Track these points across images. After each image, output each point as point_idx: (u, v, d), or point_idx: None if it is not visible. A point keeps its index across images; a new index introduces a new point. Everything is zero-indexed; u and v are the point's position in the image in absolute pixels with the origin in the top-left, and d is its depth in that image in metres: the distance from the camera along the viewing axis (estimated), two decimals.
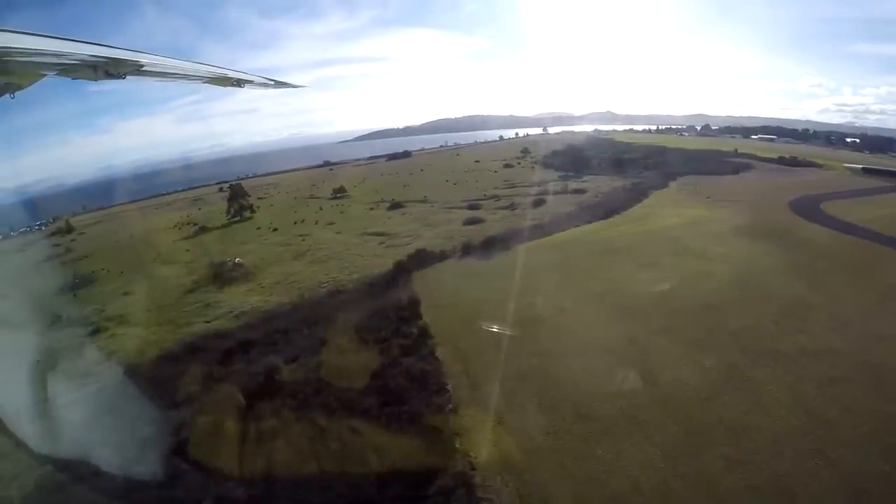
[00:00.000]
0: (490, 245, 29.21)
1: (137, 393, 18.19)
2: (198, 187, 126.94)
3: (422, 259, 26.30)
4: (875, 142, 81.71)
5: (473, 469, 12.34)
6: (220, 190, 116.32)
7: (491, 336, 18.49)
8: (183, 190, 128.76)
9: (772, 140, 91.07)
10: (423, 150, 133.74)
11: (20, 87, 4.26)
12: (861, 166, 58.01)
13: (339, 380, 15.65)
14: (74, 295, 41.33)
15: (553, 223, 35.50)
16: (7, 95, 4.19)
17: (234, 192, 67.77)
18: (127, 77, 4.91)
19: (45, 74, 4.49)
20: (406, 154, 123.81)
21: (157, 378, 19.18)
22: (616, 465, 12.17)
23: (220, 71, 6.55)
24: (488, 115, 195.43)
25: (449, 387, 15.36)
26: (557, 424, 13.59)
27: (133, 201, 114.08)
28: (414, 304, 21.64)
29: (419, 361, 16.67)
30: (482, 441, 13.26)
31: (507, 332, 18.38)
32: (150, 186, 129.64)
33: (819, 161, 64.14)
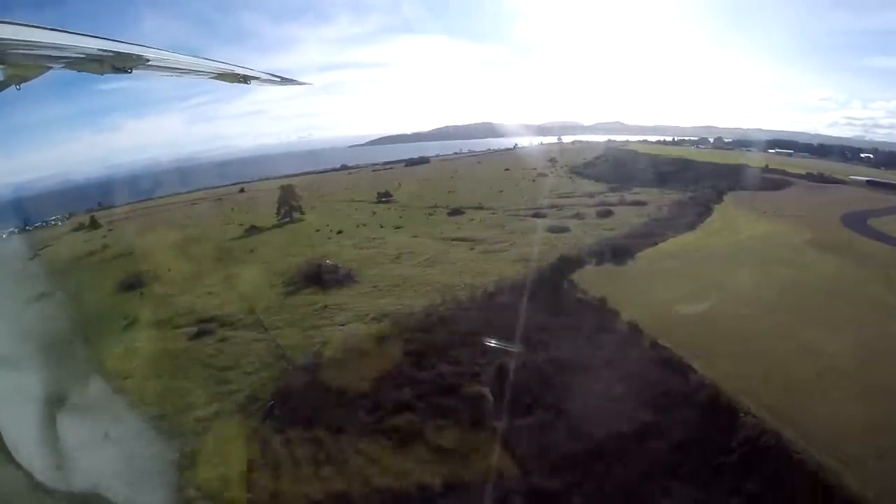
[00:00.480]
0: (612, 252, 30.70)
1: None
2: (216, 187, 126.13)
3: (565, 264, 27.55)
4: (888, 157, 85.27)
5: None
6: (241, 191, 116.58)
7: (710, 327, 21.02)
8: (201, 189, 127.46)
9: (789, 154, 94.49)
10: (438, 156, 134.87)
11: (26, 79, 4.21)
12: (865, 179, 63.77)
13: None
14: (141, 294, 40.22)
15: (645, 234, 37.04)
16: (13, 87, 4.14)
17: (285, 194, 67.46)
18: (133, 71, 4.91)
19: (51, 67, 4.56)
20: (424, 160, 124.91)
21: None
22: None
23: (226, 67, 6.53)
24: (497, 123, 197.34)
25: None
26: None
27: (150, 199, 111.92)
28: (603, 302, 23.40)
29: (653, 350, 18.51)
30: None
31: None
32: (162, 185, 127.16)
33: (841, 177, 67.83)
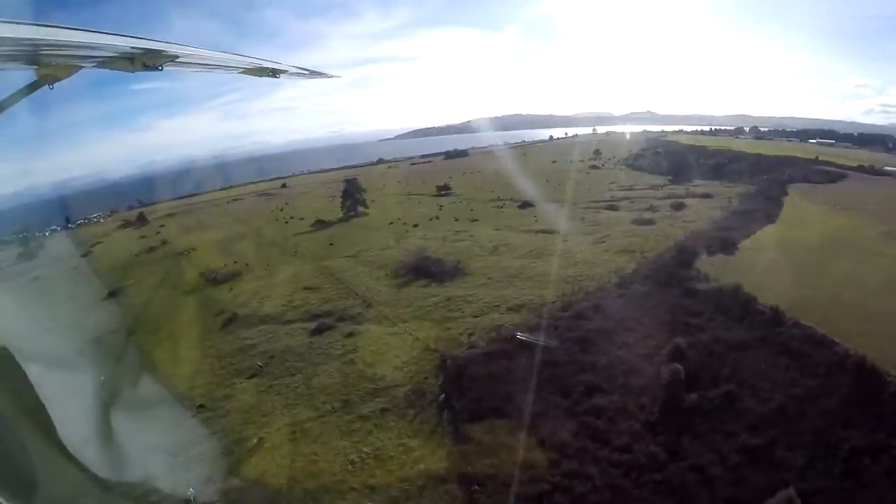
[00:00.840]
0: (719, 244, 33.10)
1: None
2: (254, 183, 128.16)
3: (681, 254, 29.98)
4: None
5: None
6: (283, 186, 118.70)
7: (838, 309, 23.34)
8: (239, 185, 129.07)
9: (831, 144, 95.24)
10: (473, 148, 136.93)
11: (58, 79, 4.26)
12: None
13: None
14: (230, 289, 40.37)
15: (730, 227, 38.90)
16: (46, 86, 4.20)
17: (350, 187, 69.46)
18: (164, 68, 4.97)
19: (83, 66, 4.63)
20: (463, 153, 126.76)
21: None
22: None
23: (255, 61, 6.64)
24: (526, 115, 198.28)
25: None
26: None
27: (190, 196, 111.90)
28: (738, 288, 25.78)
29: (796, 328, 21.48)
30: None
31: None
32: (199, 182, 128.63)
33: (893, 168, 69.10)
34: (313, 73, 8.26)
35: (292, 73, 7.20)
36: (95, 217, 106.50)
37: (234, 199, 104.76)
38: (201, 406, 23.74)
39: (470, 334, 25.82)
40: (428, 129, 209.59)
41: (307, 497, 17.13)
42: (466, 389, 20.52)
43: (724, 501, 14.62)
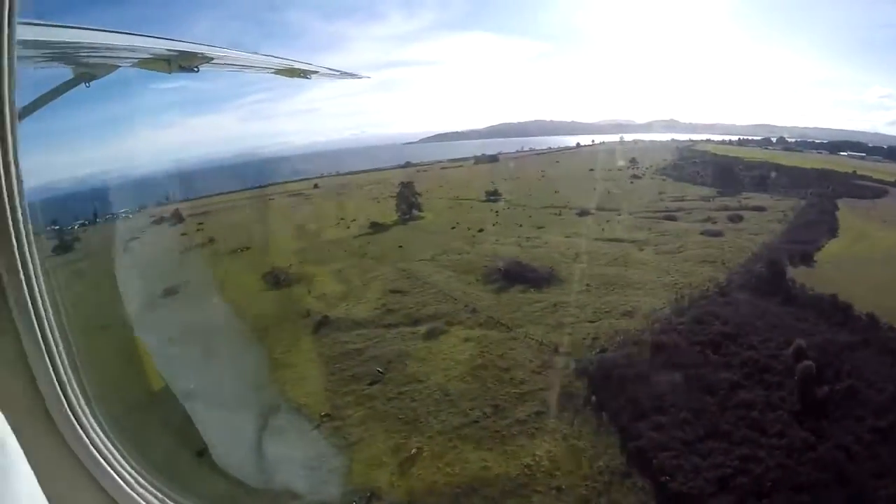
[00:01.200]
0: (800, 257, 36.01)
1: None
2: (284, 182, 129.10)
3: (769, 264, 32.98)
4: None
5: None
6: (315, 187, 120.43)
7: None
8: (269, 185, 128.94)
9: (862, 157, 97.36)
10: (501, 153, 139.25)
11: (95, 77, 4.34)
12: None
13: None
14: (309, 291, 39.84)
15: (797, 240, 41.71)
16: (83, 84, 4.24)
17: (405, 190, 70.52)
18: (199, 70, 5.03)
19: (120, 66, 4.69)
20: (494, 158, 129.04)
21: None
22: None
23: (287, 63, 6.76)
24: (550, 121, 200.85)
25: None
26: None
27: (222, 194, 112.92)
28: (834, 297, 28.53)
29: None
30: None
31: None
32: (228, 180, 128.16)
33: None
34: (344, 74, 8.36)
35: (323, 74, 7.28)
36: (123, 213, 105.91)
37: (269, 198, 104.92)
38: (326, 415, 23.40)
39: (594, 339, 27.44)
40: (452, 133, 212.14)
41: (493, 499, 17.96)
42: (619, 391, 22.40)
43: (868, 472, 17.70)
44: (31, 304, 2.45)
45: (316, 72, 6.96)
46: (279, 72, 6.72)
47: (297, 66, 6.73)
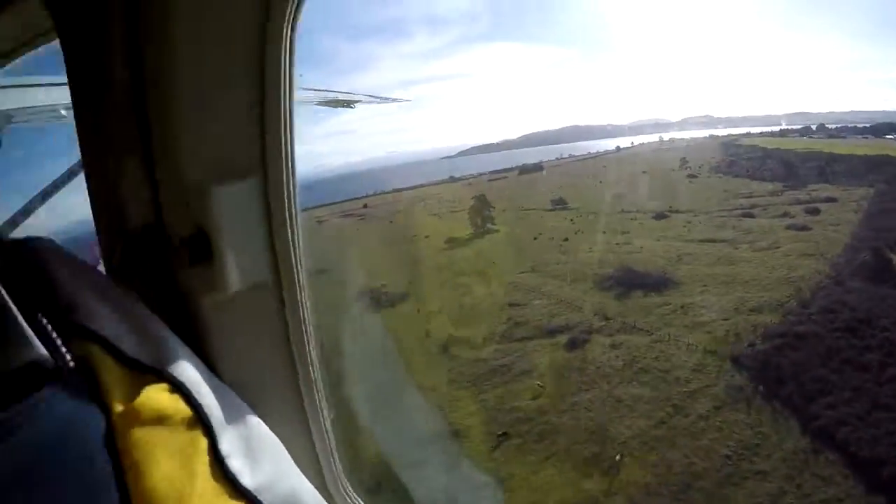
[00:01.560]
0: None
1: None
2: (329, 204, 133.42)
3: (879, 254, 36.57)
4: None
5: None
6: (364, 206, 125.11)
7: None
8: (315, 207, 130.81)
9: None
10: (543, 162, 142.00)
11: None
12: None
13: None
14: (418, 311, 39.92)
15: (887, 228, 44.86)
16: None
17: (479, 204, 72.49)
18: None
19: None
20: (539, 167, 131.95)
21: None
22: None
23: (330, 94, 6.93)
24: (584, 126, 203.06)
25: None
26: None
27: None
28: None
29: None
30: None
31: None
32: None
33: None
34: (385, 100, 8.56)
35: (365, 101, 7.79)
36: None
37: (321, 220, 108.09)
38: (503, 434, 23.84)
39: (736, 335, 29.81)
40: (487, 145, 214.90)
41: (711, 491, 19.62)
42: (782, 380, 25.15)
43: None
44: None
45: (359, 100, 7.45)
46: (323, 102, 7.02)
47: (340, 97, 7.09)
